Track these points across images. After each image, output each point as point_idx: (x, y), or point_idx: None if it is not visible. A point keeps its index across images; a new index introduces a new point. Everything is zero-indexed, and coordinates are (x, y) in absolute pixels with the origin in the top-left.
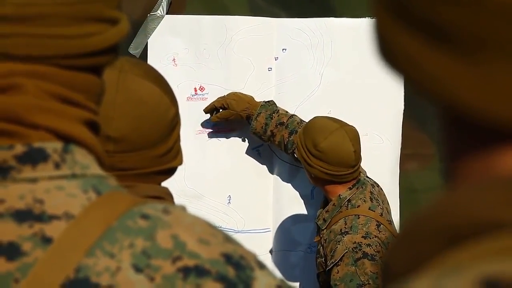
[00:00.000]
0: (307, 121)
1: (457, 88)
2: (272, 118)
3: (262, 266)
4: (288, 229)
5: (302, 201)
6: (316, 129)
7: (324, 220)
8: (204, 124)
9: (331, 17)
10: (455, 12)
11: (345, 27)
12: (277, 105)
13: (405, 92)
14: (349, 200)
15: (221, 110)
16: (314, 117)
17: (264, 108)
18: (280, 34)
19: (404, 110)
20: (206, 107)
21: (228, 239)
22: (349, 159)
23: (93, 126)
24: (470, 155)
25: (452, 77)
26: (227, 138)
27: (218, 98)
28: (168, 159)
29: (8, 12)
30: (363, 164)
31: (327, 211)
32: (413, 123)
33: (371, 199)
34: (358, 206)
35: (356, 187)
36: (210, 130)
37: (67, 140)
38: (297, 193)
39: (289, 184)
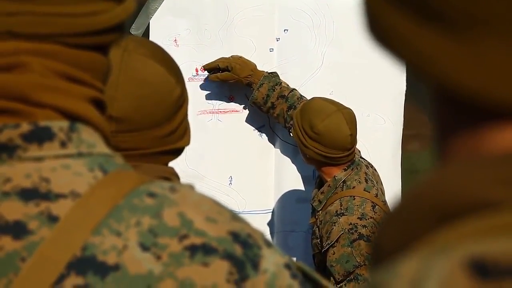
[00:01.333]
0: (307, 98)
1: (447, 66)
2: (274, 90)
3: (269, 244)
4: (289, 210)
5: (304, 182)
6: (314, 111)
7: (320, 202)
8: (205, 105)
9: None
10: None
11: (347, 7)
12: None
13: (407, 72)
14: (344, 181)
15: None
16: (312, 98)
17: (267, 79)
18: (282, 14)
19: (406, 91)
20: (207, 64)
21: (235, 217)
22: (345, 142)
23: (99, 105)
24: (460, 133)
25: (442, 55)
26: (228, 119)
27: (221, 58)
28: (174, 139)
29: None
30: (365, 145)
31: (322, 193)
32: (415, 103)
33: (366, 180)
34: (354, 187)
35: (351, 168)
36: (211, 111)
37: (73, 118)
38: (299, 174)
39: (291, 165)
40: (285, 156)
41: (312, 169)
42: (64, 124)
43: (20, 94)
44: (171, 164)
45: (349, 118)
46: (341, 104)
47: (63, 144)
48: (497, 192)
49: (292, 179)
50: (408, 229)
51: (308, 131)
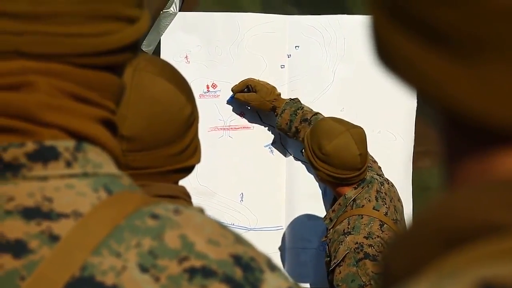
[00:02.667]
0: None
1: (454, 90)
2: (296, 115)
3: (273, 268)
4: (300, 227)
5: (315, 198)
6: (322, 132)
7: (331, 220)
8: (217, 122)
9: (344, 14)
10: (453, 13)
11: (357, 23)
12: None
13: None
14: (354, 200)
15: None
16: (322, 119)
17: (288, 105)
18: (293, 31)
19: (417, 107)
20: (236, 85)
21: (239, 240)
22: (354, 163)
23: (110, 125)
24: (467, 157)
25: (449, 79)
26: (239, 135)
27: (250, 78)
28: (185, 157)
29: (22, 10)
30: (376, 162)
31: (333, 211)
32: (426, 120)
33: (376, 198)
34: (363, 205)
35: (362, 186)
36: (222, 127)
37: (80, 138)
38: (310, 190)
39: (302, 182)
40: (296, 173)
41: (323, 186)
42: (70, 143)
43: (26, 113)
44: (183, 181)
45: (358, 137)
46: (351, 124)
47: (68, 164)
48: (505, 216)
49: (303, 195)
50: (417, 252)
51: (317, 152)
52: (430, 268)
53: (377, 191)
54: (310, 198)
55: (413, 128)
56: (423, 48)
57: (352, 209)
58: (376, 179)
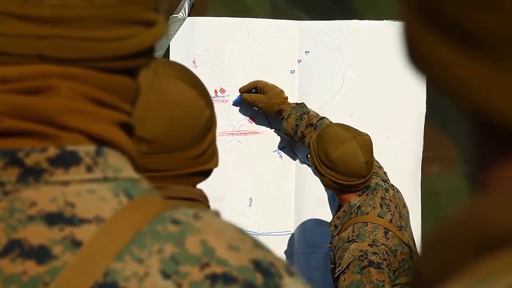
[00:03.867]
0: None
1: (489, 93)
2: (302, 120)
3: (292, 273)
4: (309, 232)
5: (324, 203)
6: (328, 139)
7: (336, 227)
8: (225, 126)
9: (354, 20)
10: (489, 18)
11: (367, 29)
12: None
13: (427, 94)
14: (359, 207)
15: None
16: (328, 125)
17: (294, 110)
18: (303, 36)
19: (426, 113)
20: (244, 86)
21: (257, 245)
22: (360, 170)
23: (128, 128)
24: (500, 162)
25: (484, 82)
26: (248, 140)
27: (259, 80)
28: (203, 161)
29: (45, 14)
30: (385, 167)
31: (338, 218)
32: (435, 125)
33: (381, 205)
34: (367, 213)
35: (366, 193)
36: (231, 132)
37: (101, 142)
38: (319, 195)
39: (311, 186)
40: (305, 178)
41: (332, 191)
42: (91, 148)
43: (48, 118)
44: None
45: (364, 145)
46: (357, 131)
47: (89, 169)
48: None
49: (312, 200)
50: (449, 258)
51: (323, 159)
52: (463, 273)
53: (382, 198)
54: (319, 203)
55: (422, 134)
56: (457, 51)
57: (356, 216)
58: (381, 186)
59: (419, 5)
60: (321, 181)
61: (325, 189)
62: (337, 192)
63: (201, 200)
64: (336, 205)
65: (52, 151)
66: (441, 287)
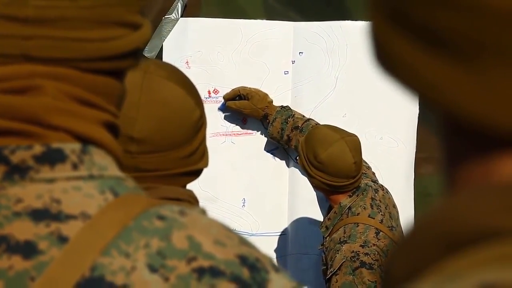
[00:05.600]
0: (322, 123)
1: (456, 94)
2: (287, 123)
3: (277, 269)
4: (302, 233)
5: (317, 204)
6: (317, 140)
7: (327, 228)
8: (219, 127)
9: (347, 20)
10: (453, 18)
11: (360, 30)
12: (293, 108)
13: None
14: (349, 208)
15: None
16: (317, 126)
17: (279, 114)
18: (297, 37)
19: (419, 114)
20: (227, 93)
21: (243, 241)
22: (349, 171)
23: (112, 128)
24: (469, 161)
25: (450, 83)
26: (241, 141)
27: (241, 87)
28: (193, 161)
29: (29, 14)
30: (378, 168)
31: (329, 219)
32: (428, 126)
33: (371, 206)
34: (358, 213)
35: (356, 194)
36: (225, 133)
37: (86, 141)
38: (312, 196)
39: (304, 187)
40: (298, 179)
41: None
42: (76, 146)
43: (34, 117)
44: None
45: (353, 145)
46: (345, 132)
47: (75, 166)
48: (506, 220)
49: (305, 201)
50: (418, 256)
51: (312, 160)
52: (431, 272)
53: (372, 199)
54: (312, 204)
55: (415, 135)
56: (423, 52)
57: (347, 217)
58: (371, 186)
59: (386, 6)
60: (310, 182)
61: (315, 190)
62: (326, 193)
63: (191, 201)
64: (327, 206)
65: (38, 148)
66: (409, 286)
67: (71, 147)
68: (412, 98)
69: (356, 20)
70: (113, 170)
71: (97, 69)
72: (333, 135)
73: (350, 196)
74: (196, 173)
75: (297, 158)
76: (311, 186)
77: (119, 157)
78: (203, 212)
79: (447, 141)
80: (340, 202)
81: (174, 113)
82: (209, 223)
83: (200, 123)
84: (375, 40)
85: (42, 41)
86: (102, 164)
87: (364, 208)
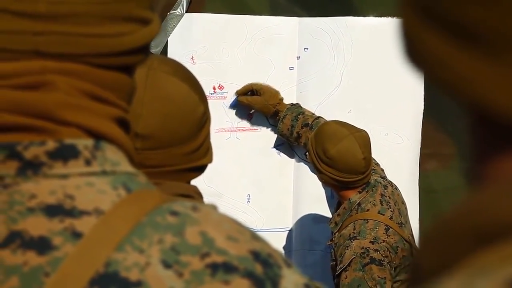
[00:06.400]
0: (329, 119)
1: (485, 88)
2: (297, 120)
3: (289, 264)
4: (307, 229)
5: (322, 200)
6: (326, 136)
7: (336, 224)
8: (224, 123)
9: (352, 16)
10: (484, 12)
11: (365, 26)
12: (299, 104)
13: (425, 91)
14: (359, 204)
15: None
16: (326, 122)
17: (289, 111)
18: (302, 33)
19: (424, 110)
20: (240, 89)
21: (255, 237)
22: (358, 166)
23: (124, 124)
24: (498, 156)
25: (480, 77)
26: (246, 137)
27: (254, 82)
28: (197, 156)
29: (41, 10)
30: (383, 164)
31: (338, 215)
32: (433, 122)
33: (381, 202)
34: (368, 210)
35: (366, 190)
36: (230, 129)
37: (98, 137)
38: (317, 192)
39: (309, 183)
40: (303, 174)
41: (330, 188)
42: (89, 142)
43: (46, 112)
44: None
45: (362, 141)
46: (354, 127)
47: (87, 162)
48: None
49: (310, 197)
50: (448, 250)
51: (322, 156)
52: (461, 265)
53: (382, 195)
54: (317, 200)
55: (420, 131)
56: (454, 46)
57: (357, 213)
58: (380, 183)
59: (417, 3)
60: (319, 178)
61: (323, 186)
62: (336, 189)
63: (196, 197)
64: (335, 202)
65: (51, 144)
66: (439, 280)
67: (84, 143)
68: (421, 89)
69: (361, 15)
70: (125, 165)
71: (108, 65)
72: (342, 131)
73: (359, 192)
74: (200, 169)
75: (306, 154)
76: (315, 182)
77: (131, 153)
78: (214, 207)
79: (475, 135)
80: (349, 198)
81: (179, 109)
82: (221, 219)
83: (204, 119)
84: (406, 36)
85: (53, 37)
86: (114, 160)
87: (374, 205)
